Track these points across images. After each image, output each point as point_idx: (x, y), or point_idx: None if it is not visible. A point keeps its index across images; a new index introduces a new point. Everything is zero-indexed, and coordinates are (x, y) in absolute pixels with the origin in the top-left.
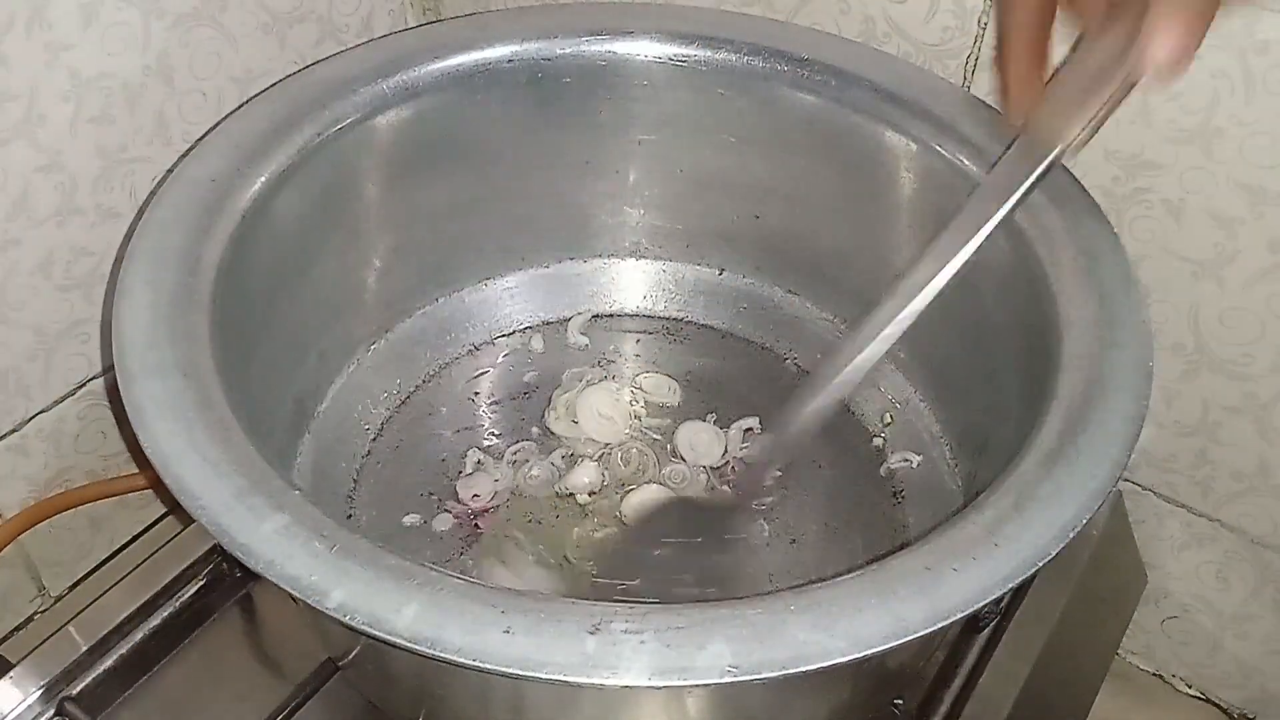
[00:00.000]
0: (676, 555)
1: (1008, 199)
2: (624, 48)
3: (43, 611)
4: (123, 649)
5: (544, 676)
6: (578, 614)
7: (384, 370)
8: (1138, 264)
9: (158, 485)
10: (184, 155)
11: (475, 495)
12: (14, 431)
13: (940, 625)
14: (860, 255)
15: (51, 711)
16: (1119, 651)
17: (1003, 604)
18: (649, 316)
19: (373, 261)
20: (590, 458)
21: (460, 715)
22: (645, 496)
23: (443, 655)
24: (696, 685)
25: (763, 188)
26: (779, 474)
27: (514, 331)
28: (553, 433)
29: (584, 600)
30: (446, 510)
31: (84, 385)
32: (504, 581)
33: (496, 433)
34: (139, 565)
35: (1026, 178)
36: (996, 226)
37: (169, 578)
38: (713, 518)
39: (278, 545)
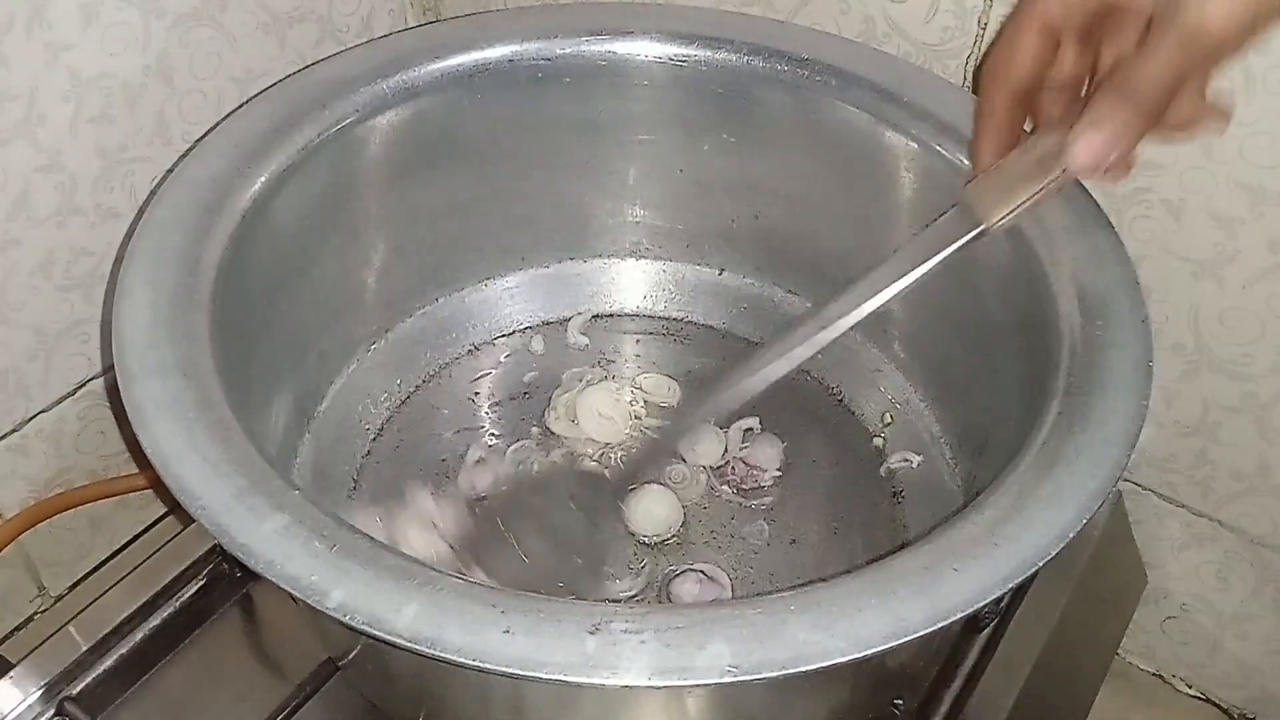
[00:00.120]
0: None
1: (923, 264)
2: (624, 48)
3: (43, 611)
4: (123, 649)
5: (544, 676)
6: (577, 614)
7: (384, 370)
8: (1138, 264)
9: (158, 485)
10: (184, 155)
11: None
12: (14, 431)
13: (940, 625)
14: (860, 255)
15: (51, 711)
16: (1119, 651)
17: (1003, 604)
18: (649, 316)
19: (373, 261)
20: (590, 457)
21: (460, 715)
22: (645, 496)
23: (442, 655)
24: (696, 685)
25: (763, 188)
26: (779, 474)
27: (514, 332)
28: (553, 433)
29: (584, 600)
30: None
31: (84, 385)
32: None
33: (497, 433)
34: (139, 565)
35: (946, 247)
36: (910, 284)
37: (169, 578)
38: (599, 493)
39: (278, 545)
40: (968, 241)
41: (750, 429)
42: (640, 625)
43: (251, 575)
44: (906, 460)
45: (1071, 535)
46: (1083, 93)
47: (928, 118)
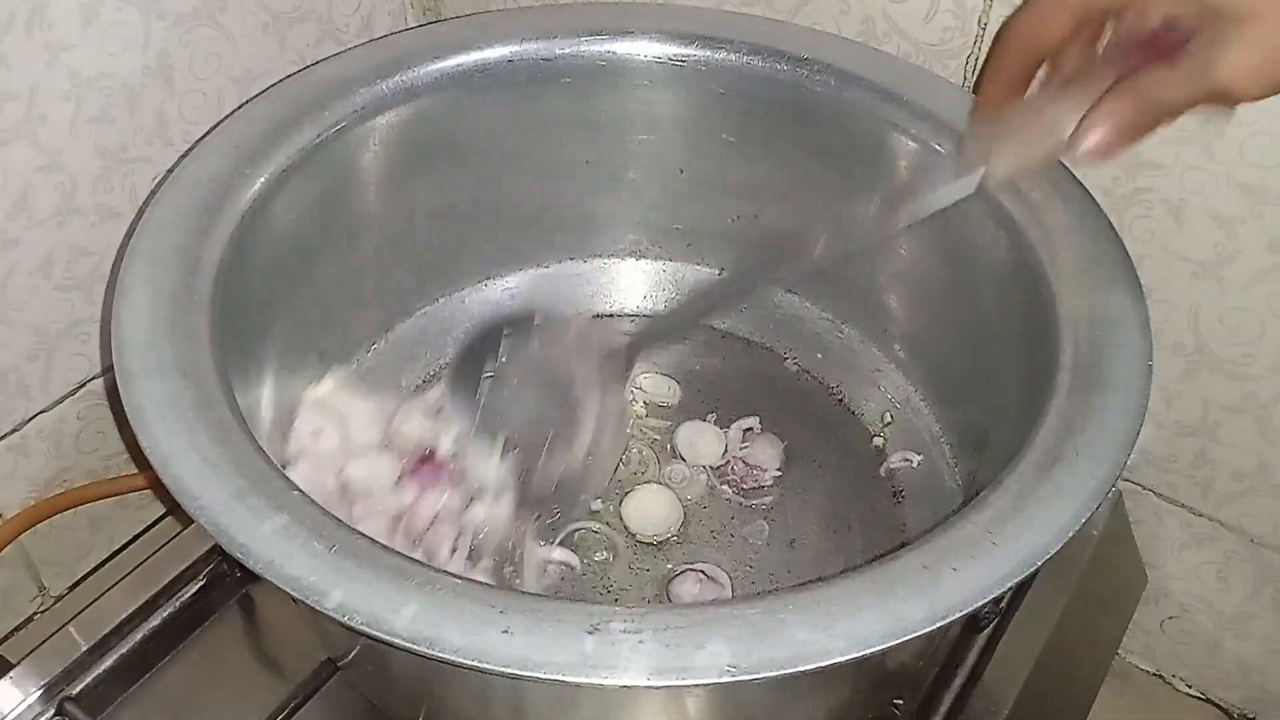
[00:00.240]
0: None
1: (918, 209)
2: (624, 48)
3: (43, 611)
4: (123, 649)
5: (543, 676)
6: (576, 614)
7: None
8: (1138, 264)
9: (158, 485)
10: (184, 155)
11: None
12: (14, 431)
13: (940, 625)
14: (860, 255)
15: (51, 711)
16: (1119, 651)
17: (1003, 604)
18: (649, 316)
19: (373, 261)
20: None
21: (460, 715)
22: (645, 496)
23: (442, 655)
24: (695, 685)
25: (763, 188)
26: (779, 474)
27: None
28: None
29: (583, 600)
30: None
31: (84, 385)
32: None
33: None
34: (139, 565)
35: (946, 195)
36: (902, 227)
37: (169, 578)
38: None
39: (277, 545)
40: (967, 194)
41: (750, 429)
42: (639, 625)
43: (251, 575)
44: (906, 460)
45: (1071, 535)
46: (1099, 49)
47: (928, 118)
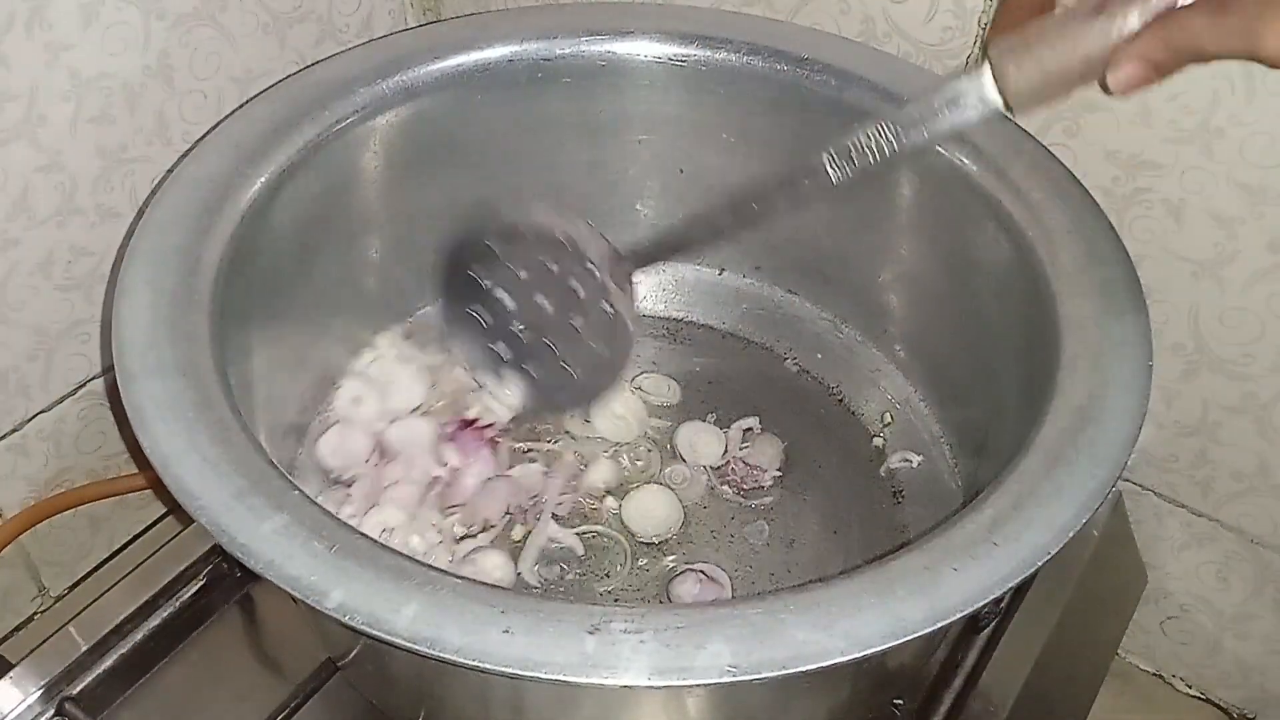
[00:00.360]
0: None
1: (938, 129)
2: (624, 48)
3: (43, 611)
4: (123, 649)
5: (544, 676)
6: (577, 614)
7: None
8: (1138, 264)
9: (158, 485)
10: (184, 155)
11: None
12: (14, 431)
13: (940, 625)
14: (860, 255)
15: (51, 711)
16: (1119, 651)
17: (1003, 604)
18: (649, 316)
19: (373, 261)
20: (604, 455)
21: (460, 715)
22: (645, 496)
23: (442, 655)
24: (695, 685)
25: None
26: (779, 474)
27: None
28: (565, 431)
29: (583, 601)
30: None
31: (84, 385)
32: None
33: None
34: (139, 565)
35: (964, 115)
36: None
37: (169, 578)
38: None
39: (277, 545)
40: (987, 111)
41: (750, 429)
42: (640, 625)
43: (251, 575)
44: (906, 460)
45: (1071, 535)
46: None
47: None
